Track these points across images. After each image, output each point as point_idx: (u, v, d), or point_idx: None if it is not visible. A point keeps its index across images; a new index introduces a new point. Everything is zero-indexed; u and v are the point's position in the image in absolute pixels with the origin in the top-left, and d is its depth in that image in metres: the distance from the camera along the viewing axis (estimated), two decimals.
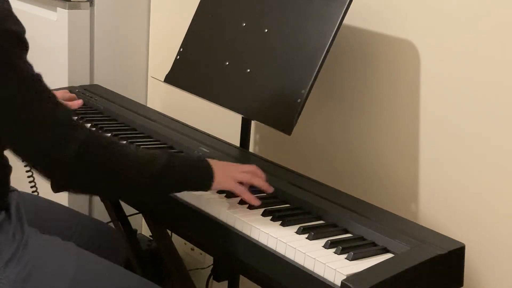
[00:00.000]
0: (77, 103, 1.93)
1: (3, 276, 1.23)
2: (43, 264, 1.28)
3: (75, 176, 1.22)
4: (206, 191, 1.36)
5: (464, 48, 1.49)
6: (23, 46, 1.20)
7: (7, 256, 1.25)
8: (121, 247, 1.75)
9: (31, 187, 1.74)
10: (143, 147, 1.64)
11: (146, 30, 2.39)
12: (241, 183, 1.36)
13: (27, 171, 1.64)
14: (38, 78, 1.21)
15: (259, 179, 1.39)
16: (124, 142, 1.31)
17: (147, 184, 1.29)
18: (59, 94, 1.92)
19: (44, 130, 1.18)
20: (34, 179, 1.75)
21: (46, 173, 1.22)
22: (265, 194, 1.45)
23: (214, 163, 1.36)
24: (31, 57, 1.25)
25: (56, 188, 1.25)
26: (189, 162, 1.34)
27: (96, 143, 1.23)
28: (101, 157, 1.23)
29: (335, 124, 1.78)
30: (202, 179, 1.34)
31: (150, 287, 1.43)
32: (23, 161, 1.25)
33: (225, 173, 1.35)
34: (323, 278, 1.15)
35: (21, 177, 1.54)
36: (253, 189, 1.40)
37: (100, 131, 1.27)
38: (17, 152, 1.23)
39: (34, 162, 1.22)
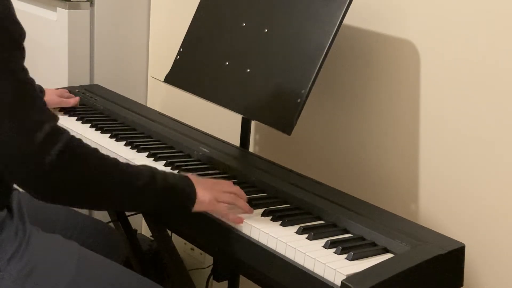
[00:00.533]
0: (73, 101, 1.93)
1: (5, 272, 1.24)
2: (44, 262, 1.28)
3: (55, 183, 1.17)
4: (189, 211, 1.33)
5: (464, 48, 1.49)
6: (20, 51, 1.18)
7: (9, 253, 1.25)
8: (121, 247, 1.75)
9: None
10: (143, 147, 1.65)
11: (146, 30, 2.39)
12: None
13: None
14: (29, 83, 1.19)
15: (242, 201, 1.36)
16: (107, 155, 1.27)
17: (127, 196, 1.25)
18: (57, 92, 1.93)
19: (27, 134, 1.14)
20: None
21: (24, 181, 1.18)
22: (265, 194, 1.45)
23: (197, 183, 1.32)
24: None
25: (40, 198, 1.22)
26: (172, 181, 1.30)
27: (77, 149, 1.20)
28: (82, 162, 1.19)
29: (335, 124, 1.78)
30: (184, 202, 1.31)
31: (150, 286, 1.43)
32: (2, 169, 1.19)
33: (207, 194, 1.32)
34: (323, 278, 1.15)
35: None
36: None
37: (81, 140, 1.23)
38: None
39: (13, 169, 1.16)
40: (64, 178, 1.17)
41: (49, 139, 1.15)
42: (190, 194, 1.31)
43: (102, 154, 1.24)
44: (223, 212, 1.32)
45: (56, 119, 1.20)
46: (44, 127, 1.15)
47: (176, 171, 1.51)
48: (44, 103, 1.21)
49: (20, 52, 1.19)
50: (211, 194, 1.32)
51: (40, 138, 1.14)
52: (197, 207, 1.32)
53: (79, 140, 1.21)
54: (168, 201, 1.30)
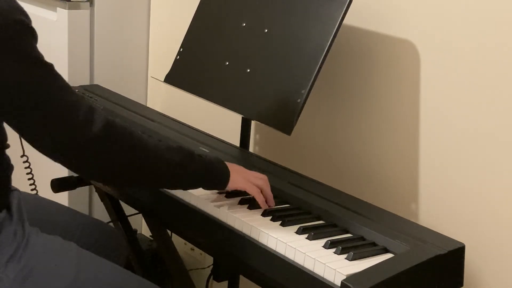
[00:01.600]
0: None
1: (3, 274, 1.23)
2: (43, 263, 1.28)
3: (100, 157, 1.22)
4: (222, 189, 1.37)
5: (464, 48, 1.49)
6: (33, 35, 1.20)
7: (8, 254, 1.25)
8: (121, 247, 1.75)
9: (30, 184, 1.74)
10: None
11: (146, 30, 2.39)
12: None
13: (25, 168, 1.64)
14: (51, 66, 1.22)
15: (268, 190, 1.40)
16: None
17: (166, 171, 1.29)
18: None
19: (67, 113, 1.18)
20: (33, 177, 1.75)
21: (70, 158, 1.22)
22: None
23: (230, 165, 1.37)
24: None
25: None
26: (208, 160, 1.35)
27: (116, 124, 1.24)
28: (125, 137, 1.24)
29: (335, 124, 1.78)
30: (219, 176, 1.35)
31: (150, 287, 1.43)
32: (44, 152, 1.23)
33: (240, 174, 1.37)
34: (323, 278, 1.15)
35: (20, 176, 1.54)
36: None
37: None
38: (37, 141, 1.21)
39: (57, 150, 1.21)
40: (106, 152, 1.22)
41: (90, 117, 1.20)
42: (225, 172, 1.35)
43: (138, 132, 1.29)
44: (254, 191, 1.36)
45: (84, 97, 1.23)
46: (82, 106, 1.20)
47: None
48: (68, 84, 1.24)
49: (35, 38, 1.21)
50: (243, 175, 1.37)
51: (82, 117, 1.19)
52: (231, 185, 1.36)
53: (114, 119, 1.26)
54: (204, 177, 1.34)
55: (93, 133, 1.19)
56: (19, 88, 1.16)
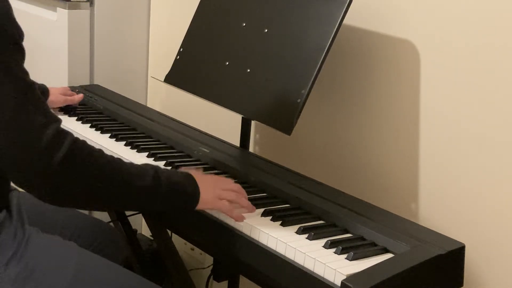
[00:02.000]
0: (78, 98, 1.94)
1: (4, 274, 1.23)
2: (43, 263, 1.28)
3: (61, 185, 1.17)
4: (191, 211, 1.33)
5: (464, 48, 1.49)
6: (20, 52, 1.19)
7: (8, 255, 1.25)
8: (121, 247, 1.75)
9: None
10: (143, 147, 1.65)
11: (146, 30, 2.39)
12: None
13: None
14: (32, 85, 1.19)
15: (244, 199, 1.36)
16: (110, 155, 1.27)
17: (131, 196, 1.26)
18: (61, 91, 1.93)
19: (33, 137, 1.14)
20: None
21: (29, 183, 1.18)
22: (265, 194, 1.45)
23: (200, 181, 1.32)
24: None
25: (44, 200, 1.22)
26: (176, 181, 1.30)
27: (83, 151, 1.20)
28: (88, 164, 1.19)
29: (335, 124, 1.78)
30: (188, 202, 1.31)
31: (150, 287, 1.43)
32: (5, 171, 1.20)
33: (211, 192, 1.32)
34: (323, 278, 1.15)
35: None
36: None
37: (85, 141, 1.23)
38: (2, 161, 1.17)
39: (17, 171, 1.17)
40: (70, 179, 1.17)
41: (54, 141, 1.15)
42: (194, 194, 1.31)
43: (106, 155, 1.24)
44: (225, 210, 1.32)
45: (59, 121, 1.20)
46: (49, 129, 1.16)
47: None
48: (47, 106, 1.21)
49: (20, 54, 1.19)
50: (214, 193, 1.33)
51: (45, 141, 1.15)
52: (200, 206, 1.32)
53: (84, 142, 1.21)
54: (172, 202, 1.30)
55: (54, 160, 1.14)
56: None
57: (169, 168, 1.53)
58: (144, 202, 1.28)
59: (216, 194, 1.33)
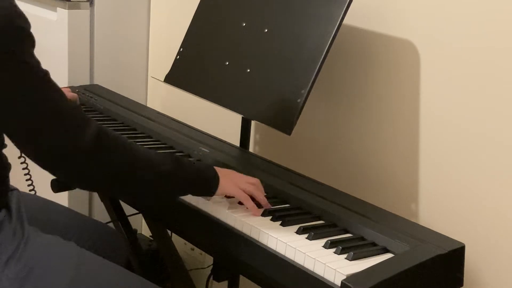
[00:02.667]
0: (72, 96, 1.94)
1: (3, 274, 1.23)
2: (43, 263, 1.28)
3: (89, 168, 1.21)
4: (211, 195, 1.36)
5: (464, 48, 1.49)
6: (31, 42, 1.20)
7: (7, 254, 1.25)
8: (121, 247, 1.75)
9: (28, 185, 1.74)
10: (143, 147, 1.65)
11: (146, 30, 2.39)
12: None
13: (23, 169, 1.64)
14: (47, 74, 1.22)
15: (261, 193, 1.38)
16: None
17: (155, 181, 1.29)
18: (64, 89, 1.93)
19: (59, 124, 1.18)
20: (31, 177, 1.74)
21: (59, 168, 1.22)
22: (265, 194, 1.45)
23: (220, 170, 1.37)
24: None
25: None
26: (196, 166, 1.35)
27: (109, 135, 1.24)
28: (115, 147, 1.24)
29: (335, 124, 1.78)
30: (208, 184, 1.34)
31: (150, 287, 1.43)
32: (33, 159, 1.23)
33: (230, 180, 1.36)
34: (323, 278, 1.15)
35: (19, 177, 1.54)
36: None
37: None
38: (29, 149, 1.21)
39: (47, 157, 1.20)
40: (98, 162, 1.22)
41: (81, 125, 1.20)
42: (213, 178, 1.34)
43: (128, 140, 1.29)
44: (243, 198, 1.34)
45: (79, 107, 1.23)
46: (75, 113, 1.21)
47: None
48: (63, 92, 1.24)
49: (31, 42, 1.21)
50: (233, 181, 1.36)
51: (72, 124, 1.19)
52: (219, 191, 1.35)
53: (105, 127, 1.25)
54: (193, 185, 1.34)
55: (85, 144, 1.19)
56: (13, 94, 1.16)
57: None
58: (166, 187, 1.31)
59: (235, 182, 1.36)
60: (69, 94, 1.96)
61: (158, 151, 1.36)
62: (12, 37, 1.15)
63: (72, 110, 1.21)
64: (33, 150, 1.21)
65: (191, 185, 1.34)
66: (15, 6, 1.18)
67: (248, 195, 1.36)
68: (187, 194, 1.37)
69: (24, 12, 1.21)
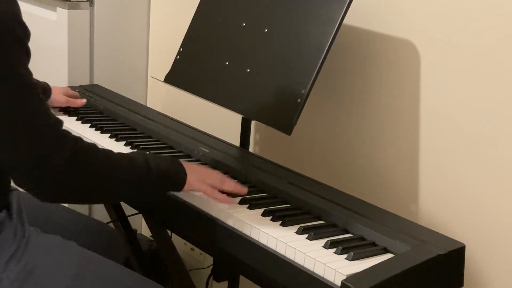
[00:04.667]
0: (80, 102, 1.94)
1: (3, 274, 1.23)
2: (43, 263, 1.28)
3: (65, 184, 1.20)
4: (178, 191, 1.38)
5: (464, 48, 1.49)
6: (26, 53, 1.19)
7: (8, 254, 1.25)
8: (121, 247, 1.75)
9: None
10: (143, 147, 1.65)
11: (146, 30, 2.39)
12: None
13: None
14: (35, 87, 1.20)
15: (229, 183, 1.39)
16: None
17: (130, 188, 1.30)
18: (63, 91, 1.93)
19: (37, 138, 1.16)
20: None
21: (31, 184, 1.20)
22: (265, 194, 1.45)
23: (187, 166, 1.37)
24: (31, 57, 1.25)
25: (43, 200, 1.24)
26: (166, 165, 1.35)
27: (85, 152, 1.23)
28: (92, 162, 1.23)
29: (335, 124, 1.78)
30: (177, 182, 1.36)
31: (151, 286, 1.43)
32: (8, 172, 1.22)
33: (197, 175, 1.37)
34: (323, 278, 1.15)
35: None
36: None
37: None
38: (3, 163, 1.20)
39: (22, 172, 1.19)
40: (73, 179, 1.20)
41: (56, 143, 1.18)
42: (181, 178, 1.35)
43: (102, 151, 1.28)
44: (209, 192, 1.36)
45: (61, 123, 1.22)
46: (51, 131, 1.18)
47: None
48: (49, 107, 1.22)
49: (26, 54, 1.20)
50: (199, 177, 1.37)
51: (47, 143, 1.17)
52: (186, 187, 1.36)
53: (82, 141, 1.23)
54: (161, 188, 1.36)
55: (59, 161, 1.17)
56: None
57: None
58: (137, 192, 1.32)
59: (201, 178, 1.37)
60: (69, 92, 1.96)
61: (133, 151, 1.40)
62: (7, 42, 1.14)
63: (49, 125, 1.19)
64: (8, 166, 1.20)
65: (159, 188, 1.35)
66: (16, 13, 1.17)
67: (218, 188, 1.37)
68: (154, 196, 1.38)
69: (24, 12, 1.20)
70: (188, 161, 1.60)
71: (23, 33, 1.18)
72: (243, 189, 1.40)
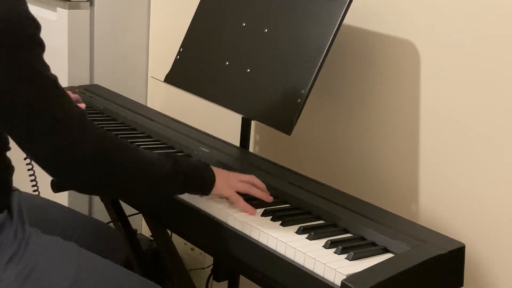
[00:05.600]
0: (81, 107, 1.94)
1: (3, 275, 1.23)
2: (43, 264, 1.28)
3: (89, 174, 1.23)
4: (206, 194, 1.38)
5: (464, 48, 1.49)
6: (40, 47, 1.20)
7: (8, 255, 1.25)
8: (121, 247, 1.75)
9: (32, 186, 1.74)
10: (143, 147, 1.65)
11: (146, 30, 2.39)
12: (239, 192, 1.38)
13: (28, 170, 1.64)
14: (55, 79, 1.22)
15: (257, 190, 1.40)
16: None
17: (156, 183, 1.31)
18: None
19: (63, 129, 1.20)
20: (35, 179, 1.75)
21: (60, 172, 1.23)
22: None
23: (216, 171, 1.38)
24: None
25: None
26: (194, 167, 1.36)
27: (111, 142, 1.26)
28: (116, 155, 1.26)
29: (335, 124, 1.78)
30: (204, 185, 1.36)
31: (150, 286, 1.43)
32: (35, 160, 1.24)
33: (225, 181, 1.38)
34: (323, 278, 1.15)
35: (22, 177, 1.54)
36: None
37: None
38: (31, 151, 1.23)
39: (50, 161, 1.22)
40: (101, 169, 1.24)
41: (83, 133, 1.21)
42: (210, 179, 1.36)
43: (130, 146, 1.31)
44: (234, 199, 1.36)
45: (85, 113, 1.24)
46: (77, 122, 1.21)
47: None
48: (71, 99, 1.25)
49: (40, 47, 1.21)
50: (228, 181, 1.38)
51: (75, 133, 1.20)
52: (215, 191, 1.37)
53: (109, 133, 1.28)
54: (188, 188, 1.36)
55: (89, 148, 1.21)
56: (20, 98, 1.17)
57: None
58: (166, 188, 1.34)
59: (229, 183, 1.37)
60: (72, 95, 1.96)
61: (158, 151, 1.38)
62: (23, 44, 1.15)
63: (78, 115, 1.23)
64: (39, 151, 1.22)
65: (189, 185, 1.36)
66: (27, 12, 1.18)
67: (244, 193, 1.37)
68: (184, 193, 1.39)
69: None
70: None
71: (34, 27, 1.19)
72: (268, 198, 1.40)
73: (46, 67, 1.21)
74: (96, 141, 1.22)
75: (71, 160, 1.21)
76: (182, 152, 1.66)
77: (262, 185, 1.42)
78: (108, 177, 1.26)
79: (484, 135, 1.47)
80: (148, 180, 1.30)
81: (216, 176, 1.37)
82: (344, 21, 1.50)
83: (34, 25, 1.19)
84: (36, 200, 1.60)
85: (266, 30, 1.63)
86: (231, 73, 1.67)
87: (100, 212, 2.13)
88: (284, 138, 1.58)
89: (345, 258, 1.18)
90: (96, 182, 1.26)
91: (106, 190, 1.35)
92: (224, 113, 1.77)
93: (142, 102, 2.36)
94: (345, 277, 1.11)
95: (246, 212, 1.34)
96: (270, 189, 1.46)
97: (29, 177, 1.72)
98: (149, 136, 1.76)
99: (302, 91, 1.49)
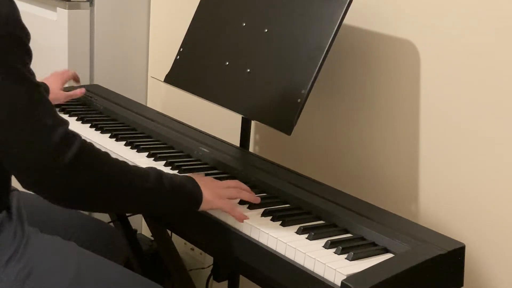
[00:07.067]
0: (80, 92, 1.93)
1: (3, 275, 1.23)
2: (43, 264, 1.28)
3: (68, 187, 1.18)
4: (195, 210, 1.34)
5: (464, 48, 1.49)
6: (27, 53, 1.19)
7: (7, 255, 1.25)
8: (121, 247, 1.75)
9: None
10: (143, 147, 1.65)
11: (146, 30, 2.39)
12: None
13: None
14: (39, 87, 1.19)
15: (245, 193, 1.38)
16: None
17: (136, 197, 1.27)
18: (58, 86, 1.91)
19: (41, 139, 1.15)
20: None
21: (37, 185, 1.18)
22: (265, 194, 1.45)
23: (201, 182, 1.34)
24: None
25: (53, 202, 1.23)
26: (179, 184, 1.31)
27: (90, 154, 1.21)
28: (95, 166, 1.21)
29: (335, 124, 1.78)
30: (191, 202, 1.32)
31: (150, 286, 1.43)
32: (12, 172, 1.21)
33: (213, 191, 1.33)
34: (323, 278, 1.15)
35: None
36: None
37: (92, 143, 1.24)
38: (9, 162, 1.18)
39: (26, 173, 1.17)
40: (78, 181, 1.18)
41: (63, 143, 1.16)
42: (196, 195, 1.32)
43: (112, 158, 1.25)
44: (228, 209, 1.32)
45: (67, 123, 1.20)
46: (58, 131, 1.16)
47: (176, 171, 1.52)
48: (54, 108, 1.21)
49: (28, 56, 1.19)
50: (214, 192, 1.34)
51: (54, 143, 1.15)
52: (203, 206, 1.33)
53: (91, 145, 1.22)
54: (175, 203, 1.31)
55: (66, 161, 1.15)
56: (3, 97, 1.14)
57: (168, 168, 1.54)
58: (148, 204, 1.29)
59: (217, 193, 1.34)
60: (64, 76, 1.94)
61: (144, 167, 1.32)
62: (6, 44, 1.14)
63: (54, 125, 1.17)
64: (14, 166, 1.18)
65: (173, 204, 1.31)
66: (16, 15, 1.17)
67: (236, 197, 1.35)
68: (169, 212, 1.35)
69: (24, 12, 1.20)
70: (188, 161, 1.60)
71: (24, 35, 1.18)
72: (257, 199, 1.38)
73: (30, 73, 1.18)
74: (77, 151, 1.16)
75: (51, 167, 1.15)
76: (182, 152, 1.66)
77: (248, 188, 1.40)
78: (88, 189, 1.19)
79: (484, 135, 1.47)
80: (132, 192, 1.25)
81: (202, 188, 1.32)
82: (344, 21, 1.50)
83: (25, 33, 1.18)
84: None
85: (266, 30, 1.63)
86: (231, 73, 1.67)
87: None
88: (284, 138, 1.58)
89: (345, 258, 1.18)
90: (74, 194, 1.19)
91: (84, 204, 1.25)
92: (224, 113, 1.77)
93: (142, 102, 2.36)
94: (345, 277, 1.11)
95: (241, 220, 1.31)
96: (271, 189, 1.46)
97: None
98: (149, 136, 1.76)
99: (302, 91, 1.49)
